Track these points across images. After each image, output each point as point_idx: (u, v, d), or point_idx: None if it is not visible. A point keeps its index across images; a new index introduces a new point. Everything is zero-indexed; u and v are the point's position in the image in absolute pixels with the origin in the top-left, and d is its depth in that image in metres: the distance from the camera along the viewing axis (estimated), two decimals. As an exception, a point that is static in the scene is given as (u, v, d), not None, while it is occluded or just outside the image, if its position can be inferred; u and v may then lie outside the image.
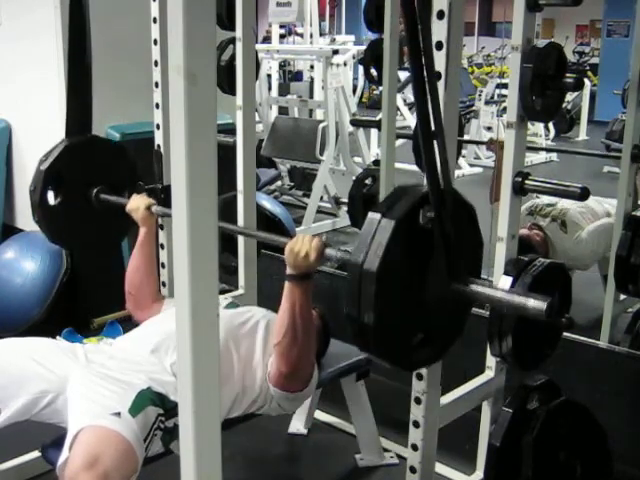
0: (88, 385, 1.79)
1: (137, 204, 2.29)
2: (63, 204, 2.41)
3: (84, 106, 2.45)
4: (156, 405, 1.79)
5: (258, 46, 3.59)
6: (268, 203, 4.27)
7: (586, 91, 9.36)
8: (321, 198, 5.43)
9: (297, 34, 9.11)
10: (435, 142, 1.39)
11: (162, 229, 2.55)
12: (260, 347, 2.02)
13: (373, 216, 1.34)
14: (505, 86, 2.58)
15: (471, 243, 1.53)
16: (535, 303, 1.34)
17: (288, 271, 1.82)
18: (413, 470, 1.88)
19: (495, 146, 3.14)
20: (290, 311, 1.82)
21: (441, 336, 1.50)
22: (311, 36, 6.60)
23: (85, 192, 2.44)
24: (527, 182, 1.93)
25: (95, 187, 2.44)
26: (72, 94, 2.44)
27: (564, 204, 3.41)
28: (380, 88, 3.37)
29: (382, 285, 1.30)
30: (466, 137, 7.97)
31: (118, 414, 1.68)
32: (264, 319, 2.11)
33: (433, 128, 1.36)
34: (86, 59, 2.39)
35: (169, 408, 1.80)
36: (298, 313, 1.81)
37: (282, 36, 8.32)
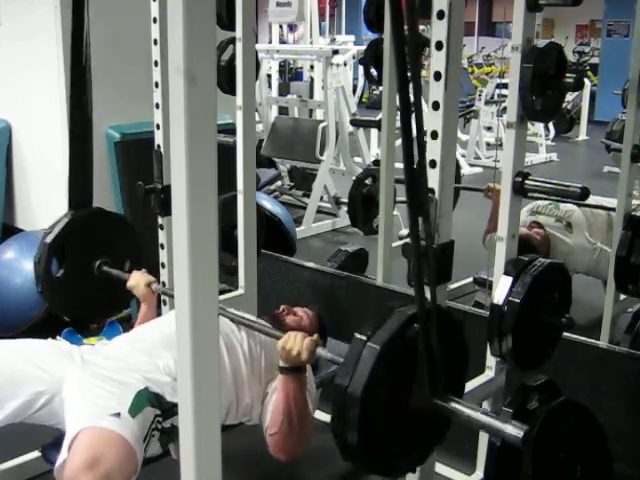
0: (85, 386, 1.79)
1: (137, 281, 2.34)
2: (66, 276, 2.45)
3: (86, 179, 2.49)
4: (153, 406, 1.79)
5: (258, 46, 3.58)
6: (268, 203, 4.27)
7: (586, 91, 9.36)
8: (321, 198, 5.43)
9: (293, 31, 9.13)
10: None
11: (162, 229, 2.56)
12: (247, 355, 2.03)
13: (359, 338, 1.37)
14: (505, 86, 2.58)
15: (456, 358, 1.55)
16: (513, 431, 1.39)
17: (281, 364, 1.86)
18: (413, 470, 1.88)
19: (493, 193, 3.16)
20: (285, 401, 1.85)
21: (424, 444, 1.53)
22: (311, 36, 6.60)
23: (88, 264, 2.49)
24: (527, 182, 1.93)
25: (98, 259, 2.49)
26: (74, 168, 2.49)
27: (567, 205, 3.41)
28: (380, 88, 3.38)
29: (365, 409, 1.34)
30: (466, 137, 7.99)
31: (118, 415, 1.68)
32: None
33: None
34: (88, 132, 2.44)
35: (166, 409, 1.80)
36: (292, 403, 1.85)
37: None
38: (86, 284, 2.49)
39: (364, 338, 1.37)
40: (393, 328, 1.38)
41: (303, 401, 1.88)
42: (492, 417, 1.45)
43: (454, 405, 1.46)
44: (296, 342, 1.79)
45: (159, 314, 2.46)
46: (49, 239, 2.40)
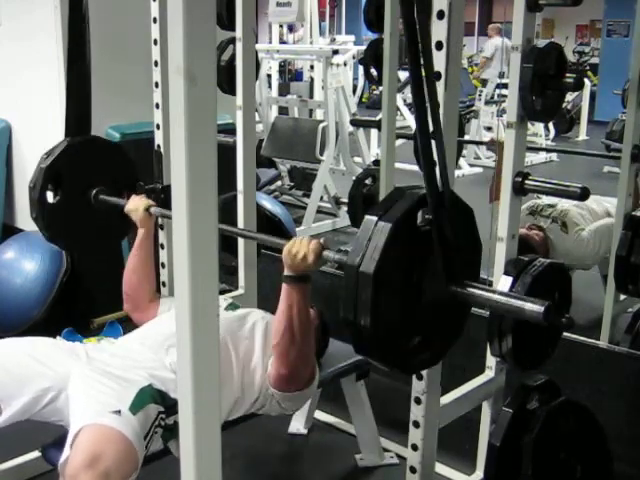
0: (89, 382, 1.80)
1: (136, 205, 2.29)
2: (62, 203, 2.40)
3: (83, 106, 2.45)
4: (157, 403, 1.79)
5: (258, 46, 3.58)
6: (268, 203, 4.27)
7: (586, 91, 9.36)
8: (321, 198, 5.43)
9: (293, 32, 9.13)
10: (434, 143, 1.38)
11: (162, 229, 2.55)
12: (259, 348, 2.02)
13: (370, 218, 1.33)
14: (505, 86, 2.59)
15: (469, 245, 1.51)
16: (533, 307, 1.34)
17: (285, 272, 1.80)
18: (413, 470, 1.88)
19: (496, 146, 3.15)
20: (287, 313, 1.81)
21: (439, 339, 1.49)
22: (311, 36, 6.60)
23: (85, 192, 2.44)
24: (527, 182, 1.93)
25: (95, 187, 2.44)
26: (71, 94, 2.44)
27: (564, 205, 3.41)
28: (380, 88, 3.37)
29: (379, 288, 1.28)
30: (466, 137, 7.98)
31: (118, 412, 1.68)
32: (263, 320, 2.11)
33: (431, 129, 1.35)
34: (85, 57, 2.39)
35: (170, 405, 1.80)
36: (296, 314, 1.80)
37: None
38: (83, 212, 2.43)
39: (375, 217, 1.32)
40: (404, 208, 1.33)
41: (306, 315, 1.83)
42: (511, 296, 1.43)
43: (470, 290, 1.42)
44: (302, 245, 1.74)
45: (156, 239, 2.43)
46: (45, 164, 2.33)
